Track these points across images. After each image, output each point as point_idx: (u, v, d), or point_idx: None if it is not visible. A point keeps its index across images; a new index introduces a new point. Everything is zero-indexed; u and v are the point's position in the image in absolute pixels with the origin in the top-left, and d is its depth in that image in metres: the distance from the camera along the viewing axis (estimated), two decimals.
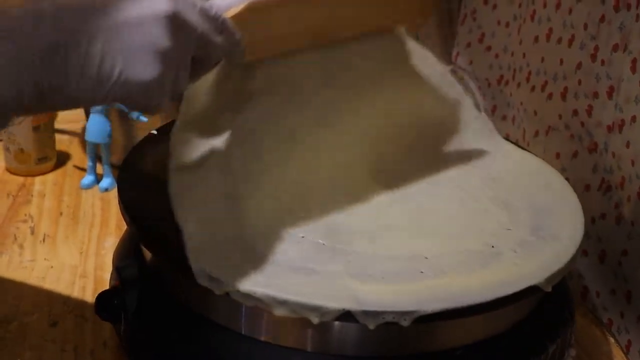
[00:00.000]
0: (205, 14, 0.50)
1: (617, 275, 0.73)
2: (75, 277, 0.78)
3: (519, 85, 0.95)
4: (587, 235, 0.63)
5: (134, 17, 0.46)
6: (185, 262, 0.53)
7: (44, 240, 0.84)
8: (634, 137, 0.70)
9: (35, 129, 0.96)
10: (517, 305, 0.57)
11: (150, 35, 0.46)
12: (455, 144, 0.72)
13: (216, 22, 0.51)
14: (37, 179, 0.97)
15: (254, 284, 0.52)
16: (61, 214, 0.90)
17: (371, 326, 0.50)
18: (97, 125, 0.92)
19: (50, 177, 0.98)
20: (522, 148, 0.78)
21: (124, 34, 0.45)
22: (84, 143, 1.03)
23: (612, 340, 0.73)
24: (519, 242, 0.60)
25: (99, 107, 0.91)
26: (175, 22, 0.47)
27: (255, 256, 0.55)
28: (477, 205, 0.65)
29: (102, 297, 0.63)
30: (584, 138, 0.79)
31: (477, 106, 0.74)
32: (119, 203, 0.63)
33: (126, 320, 0.62)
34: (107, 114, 0.92)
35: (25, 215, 0.89)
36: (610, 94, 0.74)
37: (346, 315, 0.50)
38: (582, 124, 0.79)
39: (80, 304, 0.74)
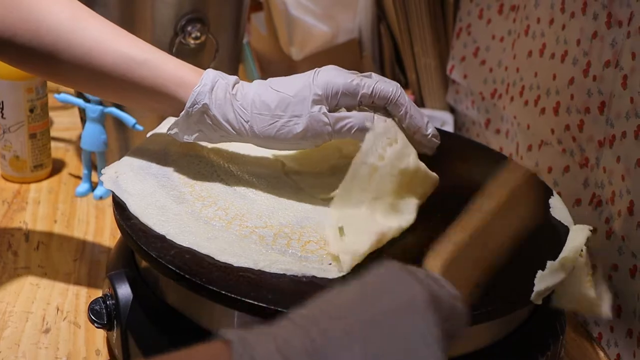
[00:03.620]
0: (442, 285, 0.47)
1: (608, 289, 0.74)
2: (69, 284, 0.78)
3: (512, 99, 0.96)
4: None
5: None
6: (179, 271, 0.54)
7: (38, 247, 0.85)
8: (625, 152, 0.71)
9: (32, 136, 0.96)
10: (507, 317, 0.58)
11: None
12: None
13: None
14: (32, 186, 0.98)
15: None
16: (56, 221, 0.90)
17: None
18: (92, 133, 0.92)
19: (45, 184, 0.99)
20: (516, 162, 0.78)
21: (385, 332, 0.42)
22: (79, 151, 1.03)
23: (602, 354, 0.74)
24: None
25: (94, 115, 0.91)
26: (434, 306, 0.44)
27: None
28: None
29: (95, 304, 0.64)
30: (576, 153, 0.80)
31: None
32: (113, 211, 0.63)
33: (119, 327, 0.62)
34: (102, 122, 0.92)
35: (20, 222, 0.89)
36: (601, 109, 0.75)
37: None
38: (574, 138, 0.80)
39: (73, 311, 0.74)
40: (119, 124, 0.94)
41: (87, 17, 0.66)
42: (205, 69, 0.65)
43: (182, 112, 0.64)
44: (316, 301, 0.44)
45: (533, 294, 0.56)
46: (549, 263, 0.58)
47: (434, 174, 0.66)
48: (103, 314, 0.63)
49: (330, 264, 0.57)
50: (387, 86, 0.64)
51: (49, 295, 0.77)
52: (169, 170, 0.67)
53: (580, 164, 0.79)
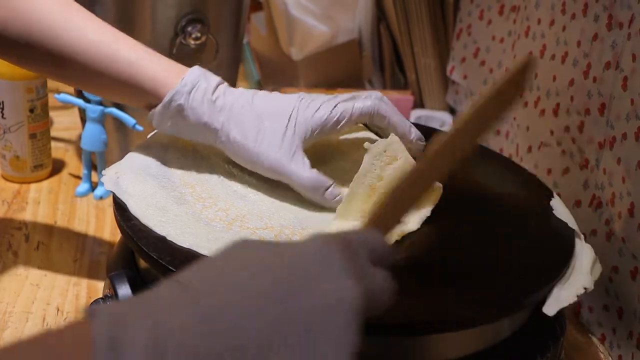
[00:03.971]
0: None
1: (609, 291, 0.74)
2: (69, 284, 0.78)
3: None
4: None
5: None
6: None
7: (38, 247, 0.85)
8: (625, 154, 0.71)
9: (32, 136, 0.96)
10: (508, 319, 0.58)
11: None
12: None
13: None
14: (32, 186, 0.98)
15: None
16: (56, 221, 0.90)
17: None
18: (92, 133, 0.92)
19: (45, 184, 0.99)
20: (516, 163, 0.78)
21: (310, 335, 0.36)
22: (79, 151, 1.03)
23: (602, 356, 0.74)
24: None
25: (94, 115, 0.91)
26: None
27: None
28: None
29: (95, 305, 0.63)
30: (575, 154, 0.80)
31: None
32: (114, 212, 0.63)
33: None
34: (103, 123, 0.92)
35: (20, 222, 0.89)
36: (601, 111, 0.75)
37: None
38: (574, 140, 0.80)
39: (73, 311, 0.74)
40: (119, 124, 0.94)
41: (75, 11, 0.66)
42: (205, 69, 0.65)
43: (159, 105, 0.64)
44: (217, 269, 0.38)
45: (549, 310, 0.57)
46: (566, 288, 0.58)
47: (439, 184, 0.66)
48: None
49: None
50: (364, 104, 0.65)
51: (49, 295, 0.77)
52: (170, 171, 0.67)
53: (580, 165, 0.79)
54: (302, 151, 0.64)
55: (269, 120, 0.63)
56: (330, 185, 0.64)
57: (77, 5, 0.67)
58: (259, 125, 0.63)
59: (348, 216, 0.62)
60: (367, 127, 0.73)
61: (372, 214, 0.47)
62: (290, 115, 0.63)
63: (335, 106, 0.64)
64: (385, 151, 0.62)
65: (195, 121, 0.64)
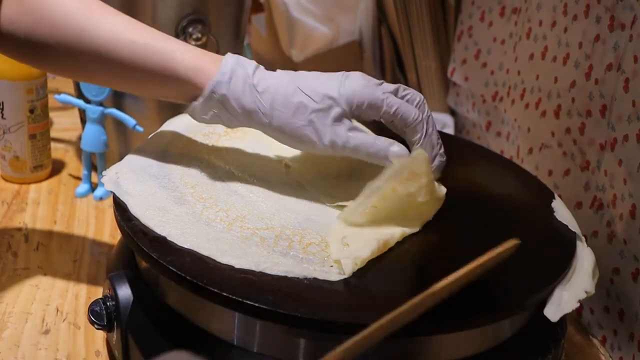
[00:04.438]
0: None
1: (610, 293, 0.74)
2: (69, 285, 0.78)
3: (513, 102, 0.95)
4: None
5: None
6: (180, 273, 0.54)
7: (37, 248, 0.84)
8: (627, 155, 0.71)
9: (32, 137, 0.96)
10: (509, 320, 0.58)
11: None
12: None
13: None
14: (32, 187, 0.98)
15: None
16: (55, 222, 0.90)
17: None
18: (92, 134, 0.92)
19: (45, 185, 0.99)
20: (517, 164, 0.78)
21: None
22: (79, 152, 1.03)
23: (603, 358, 0.74)
24: None
25: (94, 116, 0.91)
26: None
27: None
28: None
29: (95, 305, 0.63)
30: (577, 156, 0.80)
31: None
32: (114, 212, 0.63)
33: (119, 329, 0.62)
34: (103, 123, 0.92)
35: (20, 223, 0.89)
36: (603, 113, 0.75)
37: (337, 327, 0.51)
38: (575, 141, 0.80)
39: (73, 312, 0.74)
40: (119, 125, 0.94)
41: (102, 10, 0.66)
42: (238, 54, 0.65)
43: (200, 99, 0.64)
44: None
45: (551, 314, 0.57)
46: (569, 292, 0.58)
47: (443, 191, 0.66)
48: (103, 315, 0.63)
49: (332, 266, 0.57)
50: (409, 110, 0.64)
51: (49, 296, 0.76)
52: (170, 171, 0.67)
53: (581, 167, 0.79)
54: (350, 120, 0.63)
55: (316, 97, 0.62)
56: (393, 143, 0.63)
57: (97, 1, 0.67)
58: (307, 105, 0.62)
59: (355, 216, 0.62)
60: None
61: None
62: (339, 90, 0.62)
63: (383, 92, 0.63)
64: (408, 166, 0.61)
65: (241, 109, 0.63)
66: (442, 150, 0.67)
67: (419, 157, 0.62)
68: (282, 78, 0.63)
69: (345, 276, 0.56)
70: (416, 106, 0.65)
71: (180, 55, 0.64)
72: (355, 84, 0.63)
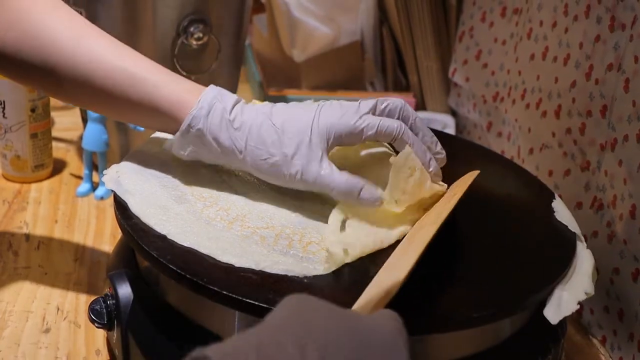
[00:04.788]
0: None
1: (610, 293, 0.74)
2: (69, 284, 0.78)
3: (514, 102, 0.96)
4: None
5: None
6: (180, 271, 0.54)
7: (38, 247, 0.85)
8: (627, 155, 0.71)
9: (33, 136, 0.96)
10: (508, 319, 0.58)
11: None
12: None
13: None
14: (33, 186, 0.98)
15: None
16: (56, 221, 0.90)
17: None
18: (94, 133, 0.92)
19: (46, 184, 0.99)
20: (518, 165, 0.78)
21: None
22: (80, 151, 1.03)
23: (603, 358, 0.74)
24: None
25: (96, 115, 0.91)
26: None
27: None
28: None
29: (95, 304, 0.63)
30: (577, 156, 0.80)
31: None
32: (114, 211, 0.63)
33: (119, 327, 0.62)
34: (104, 123, 0.92)
35: (21, 222, 0.89)
36: (603, 113, 0.75)
37: None
38: (575, 142, 0.80)
39: (74, 311, 0.74)
40: (120, 124, 0.94)
41: (90, 33, 0.65)
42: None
43: (177, 133, 0.63)
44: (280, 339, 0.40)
45: (551, 315, 0.57)
46: (570, 293, 0.58)
47: (443, 187, 0.66)
48: (103, 313, 0.63)
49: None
50: (391, 126, 0.62)
51: (49, 295, 0.76)
52: (171, 171, 0.67)
53: (582, 167, 0.79)
54: (327, 157, 0.62)
55: (290, 132, 0.61)
56: (363, 186, 0.61)
57: (86, 22, 0.66)
58: (282, 140, 0.61)
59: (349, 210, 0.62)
60: None
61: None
62: (312, 124, 0.61)
63: (360, 117, 0.62)
64: (404, 164, 0.61)
65: (217, 145, 0.63)
66: (438, 149, 0.66)
67: (407, 153, 0.61)
68: (257, 114, 0.63)
69: (328, 271, 0.56)
70: (397, 117, 0.63)
71: (164, 87, 0.63)
72: (329, 117, 0.62)
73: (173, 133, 0.65)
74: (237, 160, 0.63)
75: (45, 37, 0.64)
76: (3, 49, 0.64)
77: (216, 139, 0.62)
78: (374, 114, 0.63)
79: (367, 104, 0.63)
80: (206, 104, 0.62)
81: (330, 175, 0.61)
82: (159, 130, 0.68)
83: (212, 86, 0.64)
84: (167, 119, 0.64)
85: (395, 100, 0.64)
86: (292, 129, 0.61)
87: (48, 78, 0.65)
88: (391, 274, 0.53)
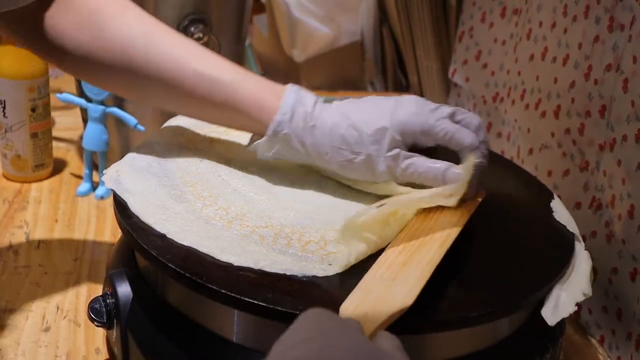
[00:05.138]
0: None
1: (608, 293, 0.74)
2: (69, 283, 0.79)
3: (513, 102, 0.96)
4: None
5: None
6: (180, 270, 0.54)
7: (38, 246, 0.85)
8: (626, 155, 0.71)
9: (33, 135, 0.96)
10: (506, 319, 0.58)
11: None
12: None
13: None
14: (34, 186, 0.98)
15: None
16: (56, 220, 0.90)
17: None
18: (94, 133, 0.93)
19: (46, 184, 0.99)
20: (517, 165, 0.78)
21: None
22: (81, 151, 1.04)
23: (602, 357, 0.74)
24: None
25: (96, 115, 0.92)
26: None
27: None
28: None
29: (95, 303, 0.64)
30: (576, 156, 0.80)
31: None
32: (114, 210, 0.63)
33: (119, 326, 0.62)
34: (104, 122, 0.93)
35: (21, 221, 0.89)
36: (602, 113, 0.75)
37: None
38: (574, 142, 0.80)
39: (73, 310, 0.74)
40: (121, 124, 0.94)
41: (161, 32, 0.66)
42: (298, 86, 0.65)
43: (264, 137, 0.65)
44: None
45: (548, 316, 0.57)
46: (568, 295, 0.59)
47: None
48: (103, 312, 0.63)
49: (330, 264, 0.57)
50: (465, 137, 0.63)
51: (49, 293, 0.77)
52: (170, 170, 0.67)
53: (581, 167, 0.79)
54: (406, 149, 0.63)
55: (370, 130, 0.63)
56: (448, 167, 0.63)
57: (157, 21, 0.66)
58: (363, 139, 0.63)
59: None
60: None
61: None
62: (391, 121, 0.63)
63: (438, 120, 0.63)
64: (469, 171, 0.62)
65: (302, 147, 0.64)
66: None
67: (462, 179, 0.62)
68: (335, 113, 0.64)
69: (338, 271, 0.56)
70: (474, 131, 0.64)
71: (242, 90, 0.64)
72: (406, 112, 0.63)
73: (252, 132, 0.67)
74: (323, 161, 0.65)
75: (116, 37, 0.64)
76: (76, 50, 0.65)
77: (302, 143, 0.64)
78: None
79: (445, 108, 0.64)
80: (289, 109, 0.64)
81: (414, 164, 0.63)
82: (239, 130, 0.69)
83: (290, 86, 0.65)
84: (249, 121, 0.65)
85: (473, 116, 0.65)
86: (370, 128, 0.63)
87: (123, 78, 0.66)
88: (392, 291, 0.52)
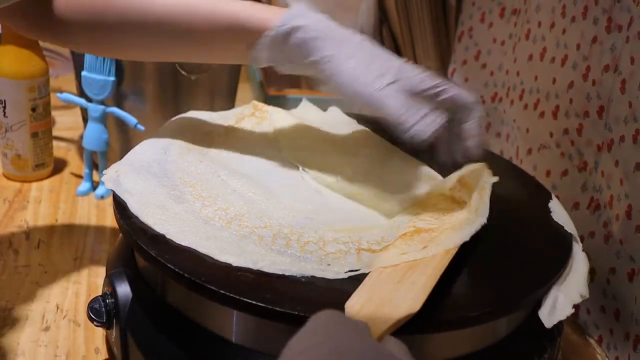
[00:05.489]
0: None
1: (606, 293, 0.74)
2: (69, 283, 0.79)
3: (512, 102, 0.96)
4: None
5: None
6: (179, 270, 0.54)
7: (38, 246, 0.85)
8: (623, 156, 0.71)
9: (33, 135, 0.96)
10: (504, 319, 0.58)
11: None
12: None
13: None
14: (34, 185, 0.98)
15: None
16: (57, 220, 0.90)
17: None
18: (94, 133, 0.93)
19: (46, 183, 0.99)
20: (516, 165, 0.78)
21: None
22: (81, 150, 1.04)
23: (600, 358, 0.74)
24: None
25: (96, 115, 0.92)
26: None
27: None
28: None
29: (95, 303, 0.64)
30: (574, 156, 0.80)
31: None
32: (114, 210, 0.63)
33: (118, 326, 0.62)
34: (104, 122, 0.93)
35: (21, 220, 0.90)
36: (600, 114, 0.75)
37: None
38: (572, 142, 0.80)
39: (73, 309, 0.75)
40: (121, 123, 0.94)
41: None
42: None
43: (272, 31, 0.65)
44: None
45: (546, 318, 0.58)
46: (566, 297, 0.59)
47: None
48: (102, 312, 0.63)
49: (329, 264, 0.57)
50: (467, 97, 0.67)
51: (49, 293, 0.77)
52: (170, 170, 0.68)
53: (579, 167, 0.79)
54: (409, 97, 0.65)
55: (379, 62, 0.66)
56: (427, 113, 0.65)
57: None
58: (372, 66, 0.65)
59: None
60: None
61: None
62: (398, 68, 0.66)
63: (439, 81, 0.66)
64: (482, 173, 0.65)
65: (311, 43, 0.65)
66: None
67: (478, 168, 0.64)
68: (354, 34, 0.67)
69: (343, 276, 0.56)
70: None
71: (248, 9, 0.66)
72: (411, 73, 0.67)
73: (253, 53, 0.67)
74: (320, 65, 0.65)
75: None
76: (81, 22, 0.67)
77: (312, 38, 0.65)
78: None
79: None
80: (302, 6, 0.66)
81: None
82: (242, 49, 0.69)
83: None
84: (257, 34, 0.65)
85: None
86: (381, 61, 0.67)
87: (132, 37, 0.68)
88: (398, 294, 0.52)
